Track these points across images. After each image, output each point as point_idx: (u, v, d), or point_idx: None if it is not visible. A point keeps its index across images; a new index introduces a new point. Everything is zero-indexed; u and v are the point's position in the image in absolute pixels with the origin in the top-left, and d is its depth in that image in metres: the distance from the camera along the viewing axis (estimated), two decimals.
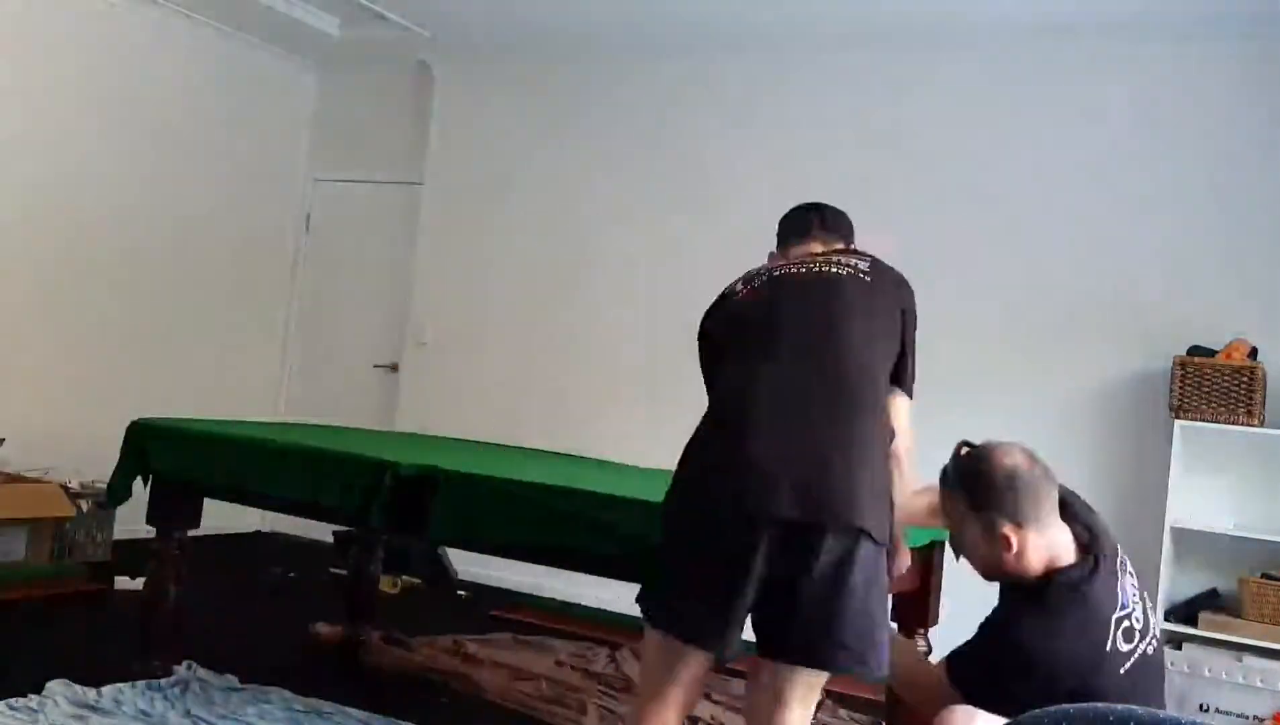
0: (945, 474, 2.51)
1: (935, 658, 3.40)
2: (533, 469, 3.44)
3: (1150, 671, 2.32)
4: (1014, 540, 2.35)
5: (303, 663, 4.21)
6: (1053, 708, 1.76)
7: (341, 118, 7.02)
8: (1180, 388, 4.53)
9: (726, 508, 2.16)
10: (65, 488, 5.12)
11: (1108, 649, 2.24)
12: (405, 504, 3.08)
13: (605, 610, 5.26)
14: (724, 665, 2.43)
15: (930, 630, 3.38)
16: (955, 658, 2.41)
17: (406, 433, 5.12)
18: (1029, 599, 2.35)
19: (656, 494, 2.41)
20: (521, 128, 6.38)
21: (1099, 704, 1.67)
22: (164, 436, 3.60)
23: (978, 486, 2.39)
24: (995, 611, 2.43)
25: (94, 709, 3.33)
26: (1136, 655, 2.27)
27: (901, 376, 2.46)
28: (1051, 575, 2.33)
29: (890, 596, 2.38)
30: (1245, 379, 4.43)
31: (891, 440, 2.35)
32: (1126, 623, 2.28)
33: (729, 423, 2.26)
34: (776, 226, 2.77)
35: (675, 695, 2.30)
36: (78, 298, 5.81)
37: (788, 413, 2.22)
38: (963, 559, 3.24)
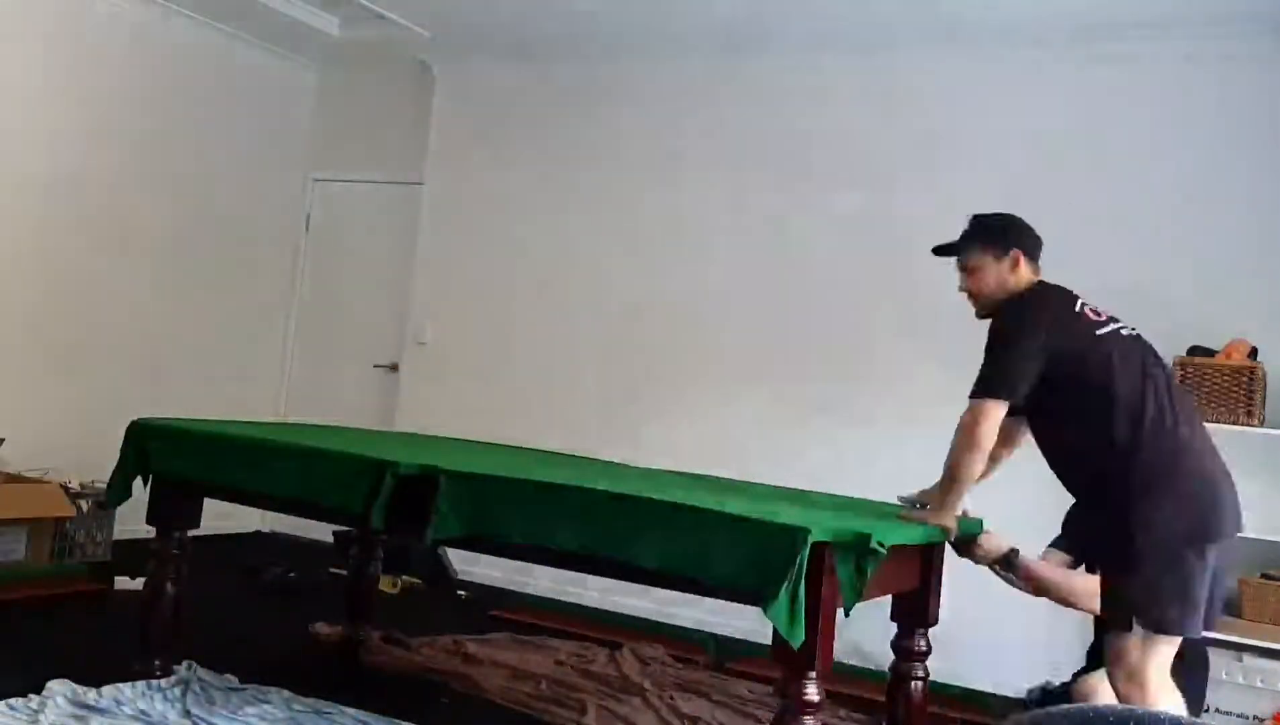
0: None
1: (933, 662, 3.42)
2: (535, 470, 3.44)
3: None
4: None
5: (303, 663, 4.21)
6: (1053, 708, 1.77)
7: (341, 118, 7.02)
8: None
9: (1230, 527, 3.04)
10: (65, 488, 5.12)
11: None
12: (405, 504, 3.09)
13: (606, 610, 5.25)
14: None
15: (929, 630, 3.38)
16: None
17: (406, 433, 5.11)
18: None
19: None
20: (521, 127, 6.38)
21: (1099, 704, 1.67)
22: (164, 436, 3.60)
23: None
24: None
25: (94, 709, 3.33)
26: None
27: None
28: None
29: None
30: (1245, 379, 4.43)
31: None
32: None
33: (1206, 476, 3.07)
34: (1012, 228, 3.43)
35: None
36: (77, 297, 5.81)
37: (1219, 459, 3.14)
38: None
